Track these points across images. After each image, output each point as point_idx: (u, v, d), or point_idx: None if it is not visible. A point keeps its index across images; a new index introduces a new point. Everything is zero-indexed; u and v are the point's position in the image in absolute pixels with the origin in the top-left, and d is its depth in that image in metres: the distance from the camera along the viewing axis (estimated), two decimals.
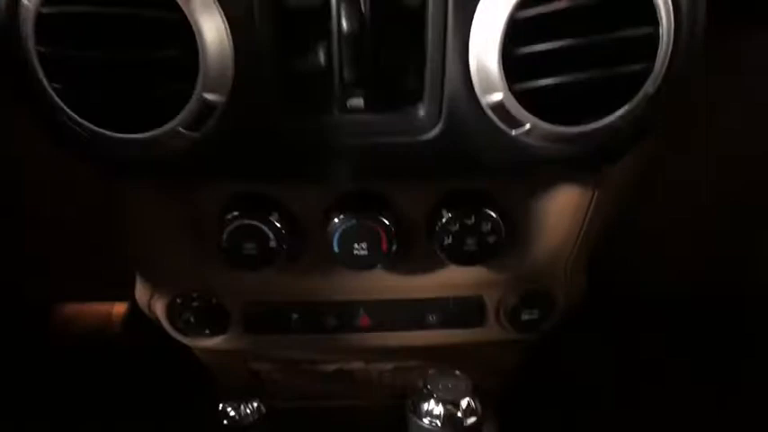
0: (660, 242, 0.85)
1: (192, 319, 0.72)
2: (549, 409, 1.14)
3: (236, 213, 0.63)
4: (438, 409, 0.60)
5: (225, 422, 0.76)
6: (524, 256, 0.69)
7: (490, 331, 0.74)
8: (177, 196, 0.65)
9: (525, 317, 0.73)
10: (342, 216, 0.63)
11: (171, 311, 0.73)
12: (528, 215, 0.67)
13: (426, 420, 0.60)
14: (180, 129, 0.50)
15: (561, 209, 0.65)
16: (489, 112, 0.52)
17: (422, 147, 0.55)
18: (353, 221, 0.63)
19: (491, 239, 0.65)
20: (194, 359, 0.84)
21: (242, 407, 0.76)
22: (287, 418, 0.85)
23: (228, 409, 0.76)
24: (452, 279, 0.71)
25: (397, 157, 0.57)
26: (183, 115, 0.49)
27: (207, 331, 0.74)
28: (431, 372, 0.64)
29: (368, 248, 0.64)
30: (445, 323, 0.73)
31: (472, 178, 0.64)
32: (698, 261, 0.91)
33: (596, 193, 0.63)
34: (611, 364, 1.23)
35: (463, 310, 0.73)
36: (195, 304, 0.72)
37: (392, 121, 0.55)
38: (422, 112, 0.54)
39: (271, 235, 0.64)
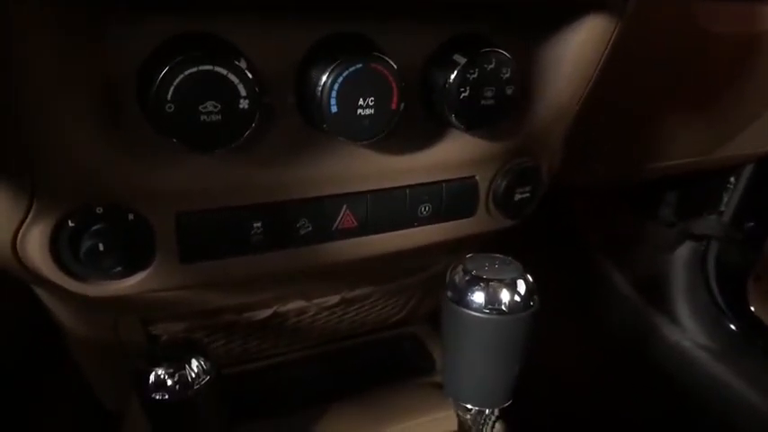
0: None
1: (100, 248, 0.46)
2: None
3: (181, 58, 0.41)
4: (496, 294, 0.47)
5: (159, 396, 0.52)
6: (529, 116, 0.59)
7: (479, 221, 0.64)
8: (82, 36, 0.40)
9: (518, 196, 0.64)
10: (339, 60, 0.46)
11: (58, 240, 0.46)
12: (540, 59, 0.57)
13: (484, 310, 0.47)
14: None
15: (579, 49, 0.56)
16: None
17: None
18: (359, 65, 0.46)
19: (509, 91, 0.54)
20: None
21: (185, 369, 0.53)
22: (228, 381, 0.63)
23: (163, 375, 0.53)
24: (447, 156, 0.58)
25: None
26: None
27: (119, 268, 0.49)
28: (468, 256, 0.51)
29: (375, 105, 0.48)
30: (437, 215, 0.60)
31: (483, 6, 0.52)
32: None
33: (618, 27, 0.55)
34: None
35: (456, 197, 0.60)
36: (101, 225, 0.47)
37: None
38: None
39: (242, 89, 0.43)
